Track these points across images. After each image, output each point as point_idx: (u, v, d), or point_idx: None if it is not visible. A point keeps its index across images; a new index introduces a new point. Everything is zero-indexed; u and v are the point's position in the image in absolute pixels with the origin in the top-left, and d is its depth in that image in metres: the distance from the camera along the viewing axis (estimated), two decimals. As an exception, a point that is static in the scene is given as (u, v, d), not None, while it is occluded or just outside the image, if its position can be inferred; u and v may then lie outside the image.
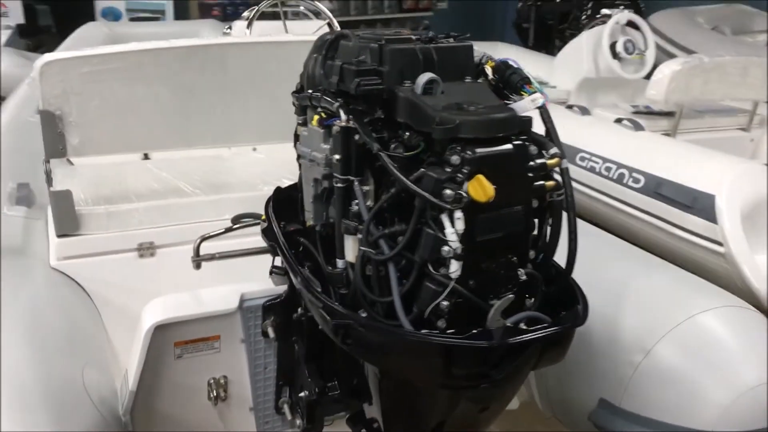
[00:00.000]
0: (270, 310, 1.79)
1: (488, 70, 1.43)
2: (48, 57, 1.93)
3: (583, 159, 3.77)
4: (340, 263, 1.37)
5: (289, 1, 3.21)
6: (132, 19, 7.98)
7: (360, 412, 1.81)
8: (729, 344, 1.81)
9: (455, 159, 1.20)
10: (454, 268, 1.21)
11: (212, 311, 1.76)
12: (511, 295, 1.25)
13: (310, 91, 1.42)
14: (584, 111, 4.10)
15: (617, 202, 3.57)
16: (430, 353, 1.22)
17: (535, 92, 1.36)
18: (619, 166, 3.56)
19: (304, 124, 1.48)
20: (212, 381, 1.86)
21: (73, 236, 2.15)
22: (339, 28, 3.29)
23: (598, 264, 2.15)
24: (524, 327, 1.26)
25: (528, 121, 1.31)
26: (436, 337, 1.21)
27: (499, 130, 1.25)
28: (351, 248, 1.33)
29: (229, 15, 7.64)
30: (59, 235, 2.14)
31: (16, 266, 2.10)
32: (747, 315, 1.89)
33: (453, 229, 1.19)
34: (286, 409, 1.90)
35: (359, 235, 1.30)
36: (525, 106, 1.35)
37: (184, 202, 2.26)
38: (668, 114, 4.11)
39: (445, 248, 1.20)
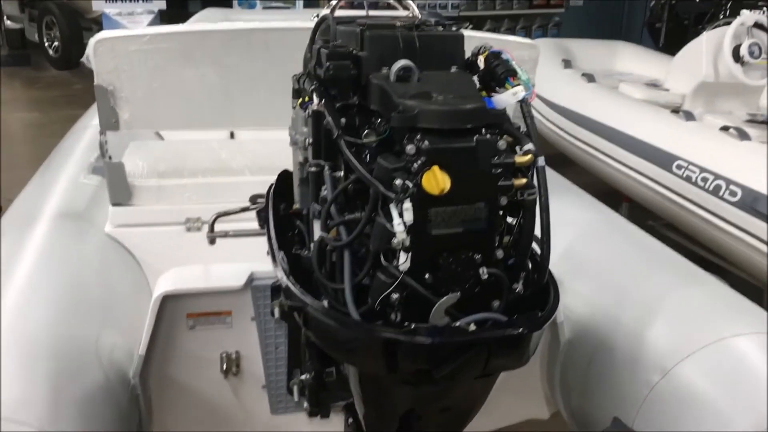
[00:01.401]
0: (278, 291, 1.81)
1: (481, 61, 1.38)
2: (100, 35, 2.05)
3: (679, 167, 3.56)
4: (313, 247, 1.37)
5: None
6: (265, 8, 8.33)
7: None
8: (759, 373, 1.65)
9: (410, 148, 1.17)
10: (402, 260, 1.18)
11: (219, 287, 1.81)
12: (456, 293, 1.20)
13: (297, 74, 1.43)
14: (689, 116, 3.86)
15: (711, 215, 3.35)
16: (361, 341, 1.21)
17: (518, 85, 1.29)
18: (716, 177, 3.33)
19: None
20: (224, 355, 1.92)
21: (126, 206, 2.28)
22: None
23: (636, 274, 2.05)
24: (472, 328, 1.21)
25: (499, 114, 1.25)
26: (358, 325, 1.19)
27: (461, 121, 1.20)
28: (318, 233, 1.33)
29: (355, 4, 7.76)
30: (113, 204, 2.27)
31: (71, 229, 2.25)
32: (787, 345, 1.71)
33: (400, 219, 1.16)
34: (295, 390, 1.92)
35: None
36: (505, 99, 1.29)
37: (231, 181, 2.33)
38: (786, 124, 3.80)
39: (395, 239, 1.17)
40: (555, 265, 2.19)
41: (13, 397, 1.44)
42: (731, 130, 3.58)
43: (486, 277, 1.24)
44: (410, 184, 1.15)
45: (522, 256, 1.30)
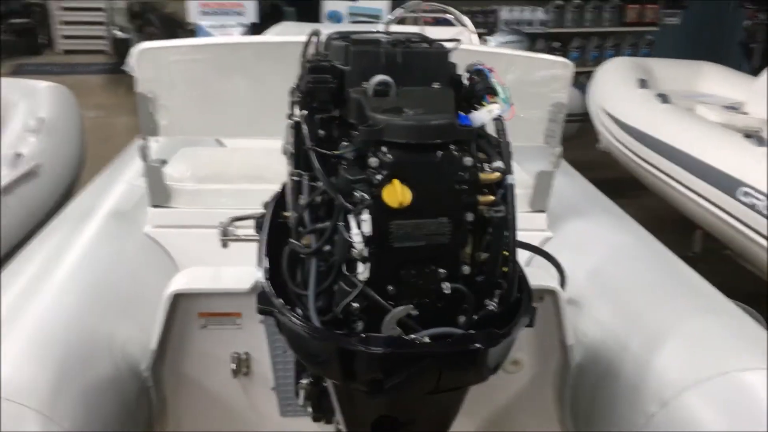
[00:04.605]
0: None
1: (465, 78, 1.39)
2: (144, 45, 2.18)
3: (746, 194, 3.41)
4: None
5: (427, 7, 3.26)
6: (352, 22, 8.50)
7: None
8: (763, 409, 1.57)
9: (373, 161, 1.20)
10: (360, 270, 1.20)
11: (227, 289, 1.88)
12: (410, 305, 1.21)
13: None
14: (760, 141, 3.68)
15: (774, 245, 3.18)
16: (319, 348, 1.24)
17: (495, 103, 1.30)
18: (783, 206, 3.17)
19: (291, 118, 1.53)
20: (235, 355, 1.98)
21: (164, 208, 2.40)
22: (476, 35, 3.28)
23: (653, 301, 2.00)
24: (426, 341, 1.21)
25: (468, 131, 1.25)
26: (314, 330, 1.22)
27: (427, 136, 1.21)
28: (293, 241, 1.37)
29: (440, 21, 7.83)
30: (153, 206, 2.39)
31: (112, 228, 2.39)
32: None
33: (357, 230, 1.18)
34: (301, 394, 1.96)
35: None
36: (481, 116, 1.30)
37: (264, 189, 2.40)
38: None
39: (354, 250, 1.20)
40: (578, 287, 2.17)
41: (17, 378, 1.54)
42: (805, 158, 3.40)
43: (448, 292, 1.25)
44: (367, 196, 1.17)
45: (491, 272, 1.30)
